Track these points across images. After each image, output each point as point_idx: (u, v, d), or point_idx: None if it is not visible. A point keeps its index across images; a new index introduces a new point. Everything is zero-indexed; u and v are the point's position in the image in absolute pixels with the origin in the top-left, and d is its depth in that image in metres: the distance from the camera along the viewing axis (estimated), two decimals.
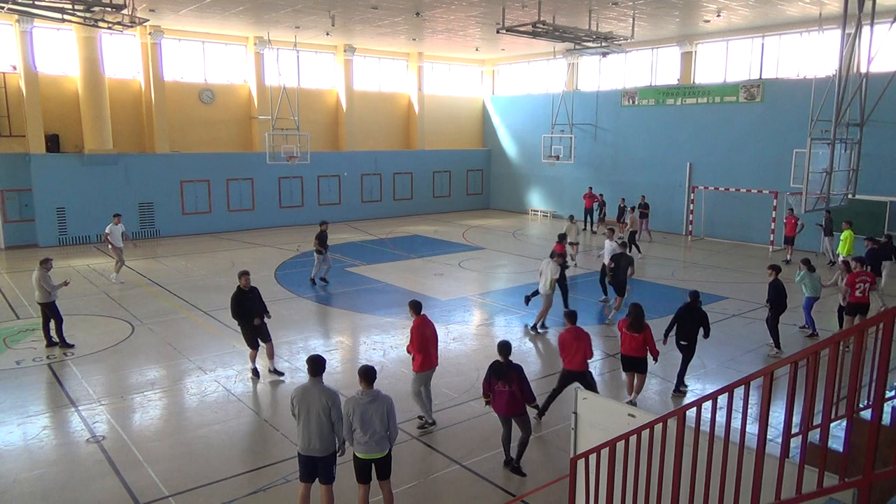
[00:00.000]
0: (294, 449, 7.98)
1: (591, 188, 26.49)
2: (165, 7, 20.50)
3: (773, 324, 11.58)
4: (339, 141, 29.90)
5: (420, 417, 8.77)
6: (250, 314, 10.23)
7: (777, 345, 11.64)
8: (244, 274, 10.45)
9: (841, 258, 15.97)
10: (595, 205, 26.09)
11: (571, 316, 8.83)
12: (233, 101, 27.06)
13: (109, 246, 17.39)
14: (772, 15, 20.83)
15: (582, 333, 8.54)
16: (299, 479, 6.44)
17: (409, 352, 8.79)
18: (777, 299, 11.37)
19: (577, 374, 8.47)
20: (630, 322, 9.13)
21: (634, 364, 9.31)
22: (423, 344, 8.48)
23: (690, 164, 25.20)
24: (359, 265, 19.52)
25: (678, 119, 25.48)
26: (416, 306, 8.79)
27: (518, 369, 7.31)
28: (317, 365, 6.36)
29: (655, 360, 9.34)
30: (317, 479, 6.35)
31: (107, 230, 17.19)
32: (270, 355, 10.60)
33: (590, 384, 8.40)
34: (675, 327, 9.95)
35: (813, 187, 11.91)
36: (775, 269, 11.59)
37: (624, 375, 9.65)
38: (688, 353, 9.91)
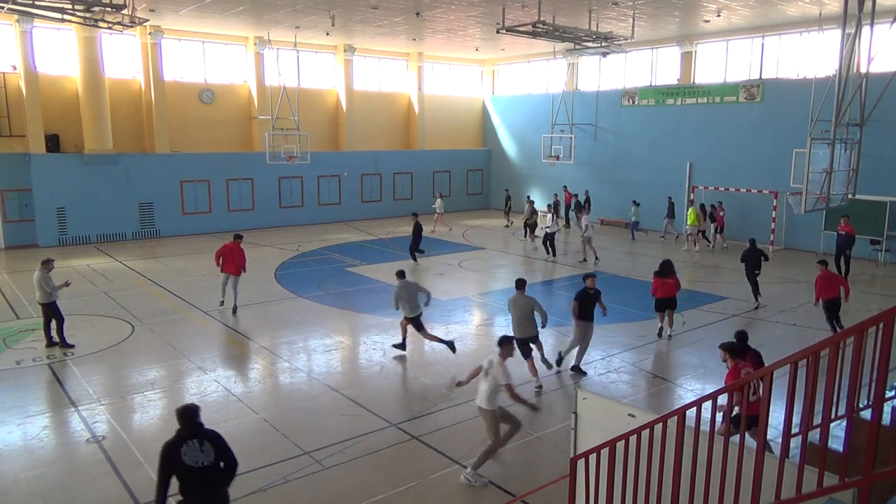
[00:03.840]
0: (295, 449, 8.01)
1: (565, 186, 28.25)
2: (165, 7, 20.50)
3: (752, 279, 14.89)
4: (339, 141, 29.89)
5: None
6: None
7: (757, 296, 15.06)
8: None
9: (687, 230, 22.25)
10: (572, 201, 27.42)
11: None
12: (233, 101, 27.06)
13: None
14: (772, 15, 20.83)
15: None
16: None
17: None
18: (753, 258, 14.75)
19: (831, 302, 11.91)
20: (661, 272, 12.32)
21: (668, 304, 12.37)
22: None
23: (690, 164, 25.21)
24: (359, 265, 19.51)
25: (678, 119, 25.48)
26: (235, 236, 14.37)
27: (757, 352, 8.20)
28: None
29: (679, 289, 12.49)
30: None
31: None
32: None
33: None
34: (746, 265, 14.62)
35: (813, 187, 11.89)
36: (751, 241, 15.16)
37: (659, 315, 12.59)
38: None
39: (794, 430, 4.12)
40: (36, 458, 7.89)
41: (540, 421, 8.87)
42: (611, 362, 11.29)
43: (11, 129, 22.32)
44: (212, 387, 10.12)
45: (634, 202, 24.81)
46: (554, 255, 20.31)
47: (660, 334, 12.61)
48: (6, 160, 22.03)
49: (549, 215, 20.23)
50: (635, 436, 4.57)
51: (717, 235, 22.57)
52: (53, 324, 11.81)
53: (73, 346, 11.81)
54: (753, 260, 14.65)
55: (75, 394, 9.81)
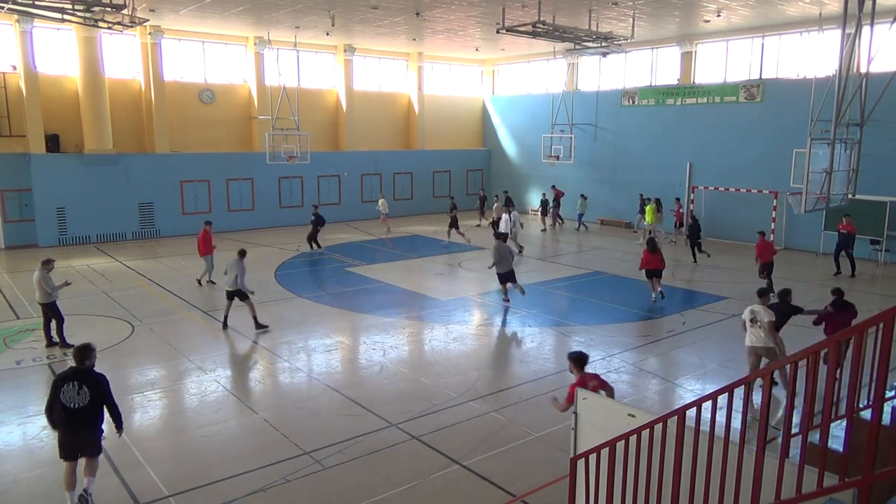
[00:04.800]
0: (295, 449, 8.01)
1: (554, 186, 28.56)
2: (165, 7, 20.50)
3: (693, 245, 19.91)
4: (339, 141, 29.90)
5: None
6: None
7: (695, 258, 19.83)
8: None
9: (647, 227, 23.30)
10: (577, 201, 27.54)
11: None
12: (233, 101, 27.06)
13: None
14: (772, 15, 20.83)
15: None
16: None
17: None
18: (694, 231, 19.95)
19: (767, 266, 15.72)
20: (649, 249, 14.99)
21: (656, 273, 15.02)
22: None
23: (690, 164, 25.20)
24: (359, 265, 19.51)
25: (678, 119, 25.48)
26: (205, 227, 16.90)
27: (854, 307, 9.81)
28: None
29: (664, 267, 15.24)
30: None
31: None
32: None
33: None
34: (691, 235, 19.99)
35: (813, 187, 11.88)
36: (693, 217, 21.06)
37: (648, 282, 15.24)
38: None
39: (794, 430, 4.12)
40: (36, 459, 7.90)
41: (540, 421, 8.86)
42: (611, 362, 11.29)
43: (11, 129, 22.32)
44: (212, 387, 10.12)
45: (582, 195, 26.88)
46: (519, 253, 20.51)
47: (655, 300, 15.07)
48: (6, 160, 22.03)
49: (505, 216, 20.45)
50: (635, 436, 4.57)
51: (677, 231, 23.65)
52: (53, 324, 11.82)
53: (72, 346, 11.75)
54: (694, 233, 19.98)
55: None
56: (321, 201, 28.61)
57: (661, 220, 23.78)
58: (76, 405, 6.45)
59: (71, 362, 11.02)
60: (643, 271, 15.36)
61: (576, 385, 6.26)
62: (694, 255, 19.92)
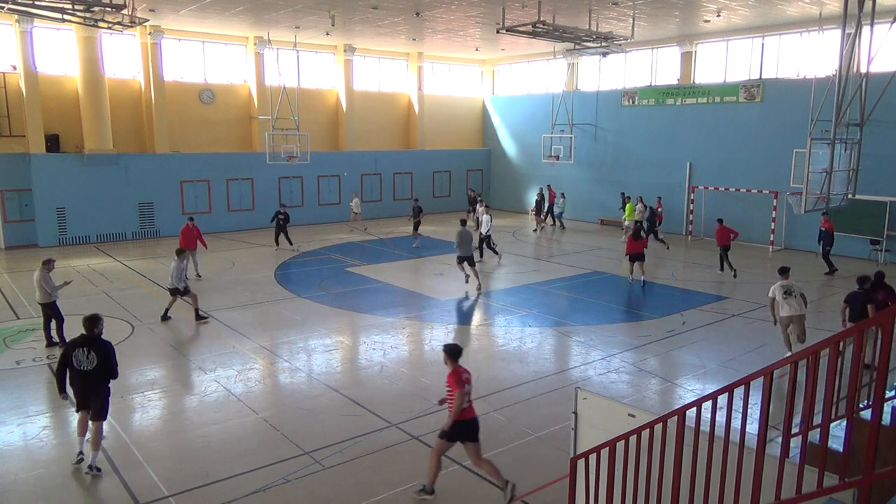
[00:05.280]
0: (295, 449, 8.02)
1: (549, 185, 28.14)
2: (165, 7, 20.50)
3: (656, 236, 22.32)
4: (339, 141, 29.90)
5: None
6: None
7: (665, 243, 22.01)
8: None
9: (626, 222, 23.67)
10: (556, 200, 27.69)
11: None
12: (233, 101, 27.06)
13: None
14: (772, 15, 20.83)
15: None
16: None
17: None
18: (651, 221, 22.35)
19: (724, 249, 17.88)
20: (633, 236, 16.84)
21: (638, 257, 16.78)
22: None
23: (690, 164, 25.21)
24: (359, 265, 19.51)
25: (678, 119, 25.48)
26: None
27: (890, 289, 10.37)
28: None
29: (647, 246, 17.17)
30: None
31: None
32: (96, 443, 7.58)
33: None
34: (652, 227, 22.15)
35: (813, 187, 11.91)
36: (651, 209, 23.15)
37: (630, 265, 17.22)
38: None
39: (794, 430, 4.11)
40: (36, 459, 7.90)
41: (540, 421, 8.86)
42: (611, 362, 11.29)
43: (11, 129, 22.32)
44: (212, 387, 10.12)
45: (562, 194, 27.59)
46: (499, 255, 20.17)
47: (632, 282, 16.91)
48: (6, 160, 22.03)
49: (486, 217, 20.18)
50: (635, 436, 4.57)
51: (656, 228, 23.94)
52: (53, 324, 11.81)
53: None
54: (652, 221, 22.28)
55: None
56: (321, 201, 28.68)
57: (642, 217, 23.82)
58: (85, 368, 7.50)
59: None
60: (627, 256, 17.22)
61: (450, 375, 6.81)
62: (662, 240, 22.16)
